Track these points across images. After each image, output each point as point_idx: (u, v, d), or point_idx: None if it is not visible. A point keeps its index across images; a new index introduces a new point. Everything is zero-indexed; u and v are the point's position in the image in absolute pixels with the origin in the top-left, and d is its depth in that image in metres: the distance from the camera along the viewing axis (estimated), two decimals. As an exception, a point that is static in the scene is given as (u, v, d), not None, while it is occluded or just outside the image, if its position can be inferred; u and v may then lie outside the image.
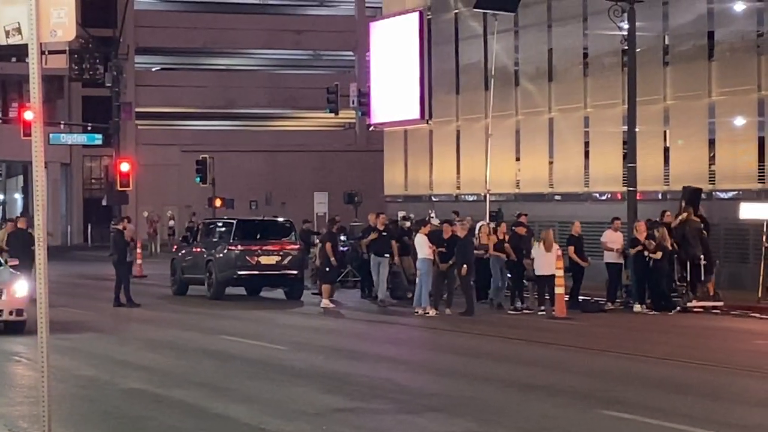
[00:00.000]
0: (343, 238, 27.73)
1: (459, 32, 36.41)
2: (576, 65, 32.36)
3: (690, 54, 29.00)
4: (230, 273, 25.44)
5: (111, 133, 44.15)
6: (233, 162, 54.75)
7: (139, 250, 34.24)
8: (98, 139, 45.88)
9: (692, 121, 28.93)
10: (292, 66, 65.83)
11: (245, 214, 39.82)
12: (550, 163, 33.13)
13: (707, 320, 21.39)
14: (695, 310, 22.47)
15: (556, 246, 22.03)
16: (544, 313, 21.78)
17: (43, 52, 8.59)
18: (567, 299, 22.13)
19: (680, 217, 23.44)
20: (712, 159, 28.45)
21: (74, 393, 12.47)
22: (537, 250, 22.06)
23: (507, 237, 23.30)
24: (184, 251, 27.67)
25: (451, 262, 21.90)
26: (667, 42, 29.92)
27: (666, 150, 29.61)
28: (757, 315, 22.02)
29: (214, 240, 26.48)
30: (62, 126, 51.18)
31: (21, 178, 64.08)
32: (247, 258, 25.26)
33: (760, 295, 23.27)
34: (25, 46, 8.53)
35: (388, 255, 23.93)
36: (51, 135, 44.31)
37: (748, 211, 24.34)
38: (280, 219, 28.20)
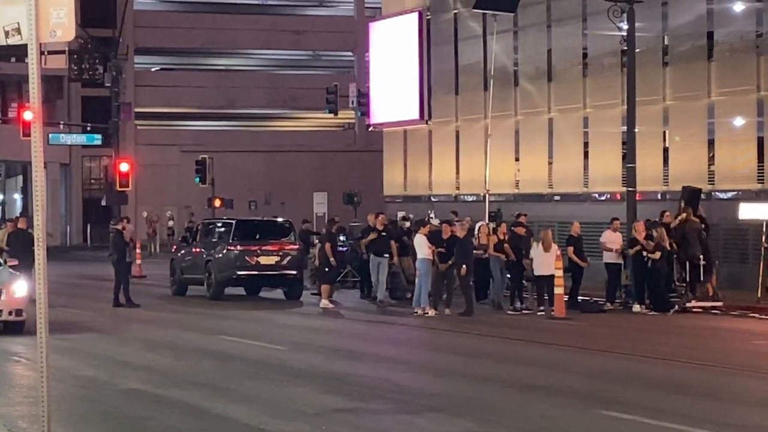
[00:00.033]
0: (342, 238, 27.72)
1: (458, 32, 36.42)
2: (575, 66, 32.37)
3: (689, 54, 29.01)
4: (229, 273, 25.44)
5: (110, 133, 44.15)
6: (232, 162, 54.75)
7: (138, 251, 34.24)
8: (97, 139, 45.87)
9: (692, 122, 28.95)
10: (291, 66, 65.83)
11: (244, 215, 39.82)
12: (550, 163, 33.14)
13: (706, 320, 21.40)
14: (694, 310, 22.47)
15: (555, 246, 22.04)
16: (543, 313, 21.79)
17: (42, 53, 8.60)
18: (566, 299, 22.13)
19: (680, 218, 23.45)
20: (711, 159, 28.46)
21: (74, 393, 12.47)
22: (536, 250, 22.07)
23: (507, 237, 23.31)
24: (183, 251, 27.67)
25: (450, 262, 21.90)
26: (666, 42, 29.93)
27: (665, 150, 29.63)
28: (757, 315, 22.03)
29: (214, 240, 26.48)
30: (61, 126, 51.17)
31: (20, 178, 64.06)
32: (247, 258, 25.26)
33: (759, 295, 23.27)
34: (25, 46, 8.53)
35: (387, 255, 23.93)
36: (50, 135, 44.29)
37: (748, 211, 24.35)
38: (280, 219, 28.20)
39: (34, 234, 8.74)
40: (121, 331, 19.48)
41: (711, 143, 28.53)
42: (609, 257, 23.22)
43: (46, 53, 8.47)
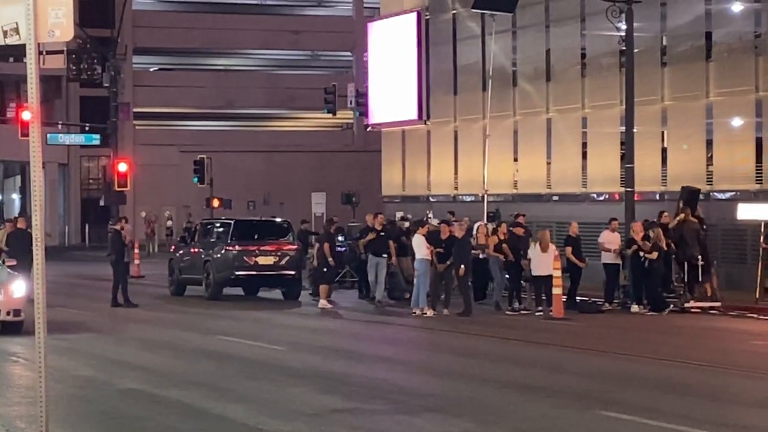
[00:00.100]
0: (340, 238, 27.72)
1: (457, 33, 36.42)
2: (574, 66, 32.37)
3: (688, 55, 29.02)
4: (228, 273, 25.43)
5: (109, 133, 44.15)
6: (231, 162, 54.74)
7: (136, 251, 34.23)
8: (96, 139, 45.88)
9: (690, 122, 28.95)
10: (289, 66, 65.83)
11: (243, 215, 39.81)
12: (548, 163, 33.14)
13: (705, 321, 21.41)
14: (693, 310, 22.48)
15: (552, 246, 22.03)
16: (541, 313, 21.78)
17: (40, 53, 8.59)
18: (565, 300, 22.13)
19: (678, 218, 23.45)
20: (709, 160, 28.47)
21: (72, 393, 12.47)
22: (533, 250, 22.07)
23: (505, 237, 23.31)
24: (181, 251, 27.66)
25: (448, 262, 21.90)
26: (664, 43, 29.94)
27: (664, 150, 29.63)
28: (755, 315, 22.03)
29: (212, 240, 26.47)
30: (60, 126, 51.16)
31: (19, 178, 64.03)
32: (245, 258, 25.25)
33: (757, 295, 23.28)
34: (23, 46, 8.53)
35: (385, 255, 23.92)
36: (49, 135, 44.27)
37: (746, 211, 24.36)
38: (278, 219, 28.19)
39: (33, 234, 8.73)
40: (120, 331, 19.47)
41: (709, 144, 28.54)
42: (607, 257, 23.21)
43: (44, 53, 8.44)
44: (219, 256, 25.62)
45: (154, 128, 60.92)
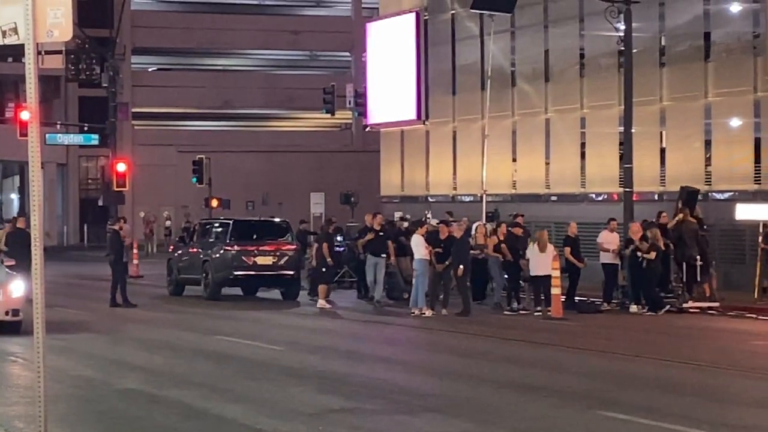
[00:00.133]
0: (339, 238, 27.72)
1: (455, 33, 36.43)
2: (572, 66, 32.38)
3: (686, 55, 29.03)
4: (227, 273, 25.43)
5: (107, 133, 44.11)
6: (230, 162, 54.71)
7: (135, 251, 34.22)
8: (95, 139, 45.83)
9: (688, 122, 28.97)
10: (288, 66, 65.81)
11: (242, 215, 39.80)
12: (547, 163, 33.15)
13: (704, 321, 21.42)
14: (691, 310, 22.48)
15: (551, 247, 22.04)
16: (540, 313, 21.79)
17: (39, 53, 8.59)
18: (563, 300, 22.13)
19: (677, 218, 23.47)
20: (708, 160, 28.49)
21: (70, 393, 12.47)
22: (531, 250, 22.08)
23: (504, 237, 23.31)
24: (180, 251, 27.66)
25: (447, 262, 21.91)
26: (663, 43, 29.95)
27: (662, 151, 29.65)
28: (754, 316, 22.04)
29: (211, 240, 26.46)
30: (59, 126, 51.12)
31: (17, 178, 64.01)
32: (244, 258, 25.25)
33: (756, 295, 23.30)
34: (22, 46, 8.52)
35: (384, 255, 23.92)
36: (47, 135, 44.21)
37: (744, 212, 24.37)
38: (277, 219, 28.18)
39: (31, 234, 8.72)
40: (118, 331, 19.47)
41: (708, 144, 28.55)
42: (606, 258, 23.22)
43: (43, 53, 8.45)
44: (218, 256, 25.62)
45: (153, 128, 60.90)
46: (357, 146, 59.07)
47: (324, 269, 24.03)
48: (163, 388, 12.88)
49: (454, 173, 36.18)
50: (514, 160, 34.11)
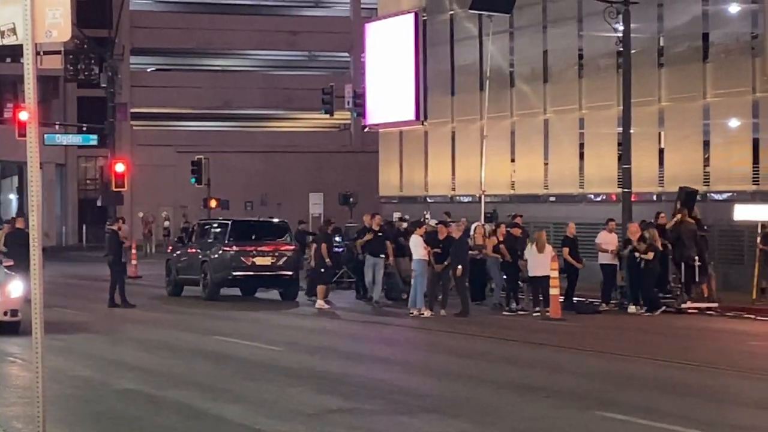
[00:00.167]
0: (338, 239, 27.73)
1: (454, 33, 36.44)
2: (571, 67, 32.40)
3: (685, 56, 29.05)
4: (225, 274, 25.43)
5: (106, 133, 44.11)
6: (228, 163, 54.70)
7: (134, 251, 34.22)
8: (93, 139, 45.82)
9: (687, 123, 28.98)
10: (287, 67, 65.81)
11: (240, 215, 39.79)
12: (545, 164, 33.16)
13: (702, 321, 21.42)
14: (690, 311, 22.49)
15: (549, 247, 22.05)
16: (538, 314, 21.79)
17: (38, 53, 8.58)
18: (562, 300, 22.14)
19: (675, 219, 23.48)
20: (706, 160, 28.50)
21: (69, 393, 12.46)
22: (530, 251, 22.09)
23: (503, 238, 23.32)
24: (179, 252, 27.66)
25: (446, 263, 21.91)
26: (661, 43, 29.97)
27: (661, 151, 29.66)
28: (752, 316, 22.06)
29: (209, 241, 26.46)
30: (57, 127, 51.09)
31: (16, 178, 63.99)
32: (242, 259, 25.25)
33: (754, 296, 23.31)
34: (20, 46, 8.52)
35: (383, 256, 23.92)
36: (46, 136, 44.21)
37: (743, 212, 24.38)
38: (276, 220, 28.18)
39: (30, 234, 8.72)
40: (117, 332, 19.47)
41: (706, 144, 28.57)
42: (604, 258, 23.23)
43: (41, 53, 8.45)
44: (216, 256, 25.62)
45: (152, 129, 60.89)
46: (356, 147, 59.07)
47: (323, 270, 24.03)
48: (162, 389, 12.88)
49: (453, 174, 36.19)
50: (513, 160, 34.12)
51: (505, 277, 23.10)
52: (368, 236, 24.14)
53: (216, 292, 25.64)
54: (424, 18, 37.55)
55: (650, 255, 22.24)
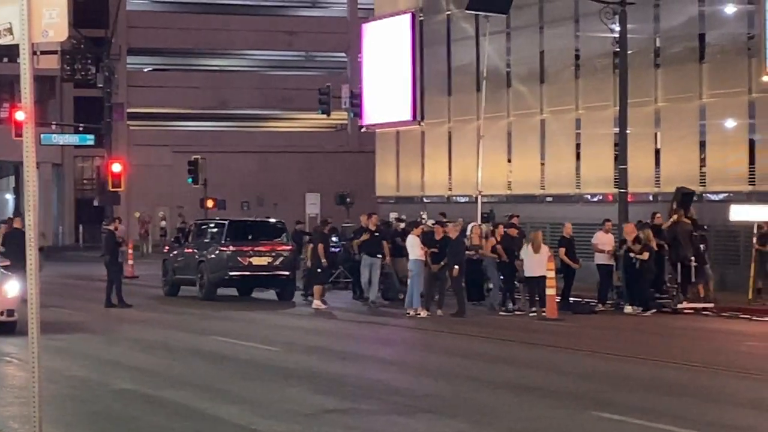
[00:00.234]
0: (334, 239, 27.73)
1: (451, 34, 36.44)
2: (568, 67, 32.41)
3: (681, 56, 29.07)
4: (222, 274, 25.43)
5: (103, 133, 44.08)
6: (225, 163, 54.69)
7: (130, 251, 34.19)
8: (90, 139, 45.79)
9: (683, 123, 29.01)
10: (284, 67, 65.80)
11: (237, 215, 39.78)
12: (542, 164, 33.18)
13: (698, 322, 21.44)
14: (686, 311, 22.51)
15: (545, 247, 22.06)
16: (535, 314, 21.81)
17: (34, 53, 8.58)
18: (558, 301, 22.15)
19: (672, 219, 23.50)
20: (702, 161, 28.53)
21: (65, 394, 12.46)
22: (526, 251, 22.10)
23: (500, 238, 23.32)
24: (175, 252, 27.65)
25: (442, 263, 21.91)
26: (658, 44, 29.99)
27: (657, 152, 29.69)
28: (748, 317, 22.08)
29: (206, 241, 26.46)
30: (54, 126, 51.02)
31: (12, 178, 63.94)
32: (239, 259, 25.25)
33: (750, 296, 23.33)
34: (17, 46, 8.52)
35: (380, 256, 23.92)
36: (42, 135, 44.17)
37: (739, 213, 24.40)
38: (272, 220, 28.18)
39: (26, 234, 8.72)
40: (113, 332, 19.46)
41: (702, 145, 28.59)
42: (601, 258, 23.25)
43: (38, 53, 8.44)
44: (213, 256, 25.62)
45: (148, 129, 60.86)
46: (352, 147, 59.06)
47: (319, 270, 24.03)
48: (159, 389, 12.88)
49: (450, 174, 36.20)
50: (510, 160, 34.13)
51: (501, 277, 23.10)
52: (365, 236, 24.14)
53: (213, 292, 25.64)
54: (421, 18, 37.56)
55: (645, 255, 22.25)
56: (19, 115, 35.39)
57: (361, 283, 24.47)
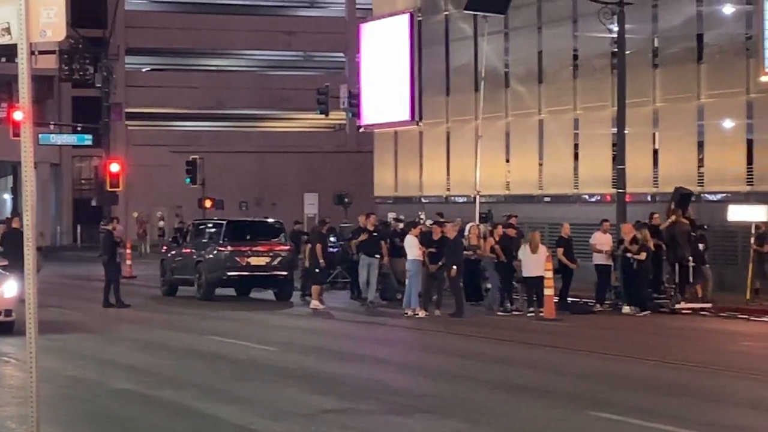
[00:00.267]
0: (333, 239, 27.73)
1: (449, 34, 36.45)
2: (566, 67, 32.43)
3: (679, 56, 29.09)
4: (220, 274, 25.43)
5: (101, 133, 44.10)
6: (223, 163, 54.70)
7: (128, 251, 34.19)
8: (88, 139, 45.81)
9: (681, 124, 29.03)
10: (282, 67, 65.81)
11: (235, 215, 39.78)
12: (540, 164, 33.20)
13: (696, 322, 21.45)
14: (683, 311, 22.52)
15: (543, 248, 22.07)
16: (533, 314, 21.81)
17: (32, 52, 8.57)
18: (556, 301, 22.16)
19: (670, 219, 23.51)
20: (700, 161, 28.55)
21: (63, 393, 12.46)
22: (523, 251, 22.11)
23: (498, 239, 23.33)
24: (173, 252, 27.65)
25: (440, 263, 21.92)
26: (656, 44, 30.01)
27: (655, 152, 29.71)
28: (746, 317, 22.10)
29: (204, 241, 26.46)
30: (52, 126, 51.08)
31: (10, 178, 63.93)
32: (237, 259, 25.25)
33: (748, 296, 23.35)
34: (15, 46, 8.52)
35: (378, 256, 23.92)
36: (40, 135, 44.22)
37: (737, 213, 24.41)
38: (270, 220, 28.19)
39: (24, 234, 8.72)
40: (111, 332, 19.46)
41: (700, 145, 28.61)
42: (599, 258, 23.26)
43: (36, 53, 8.42)
44: (211, 256, 25.62)
45: (147, 128, 60.86)
46: (351, 147, 59.08)
47: (317, 270, 24.03)
48: (157, 389, 12.88)
49: (448, 174, 36.21)
50: (508, 160, 34.14)
51: (499, 277, 23.09)
52: (363, 236, 24.14)
53: (210, 292, 25.63)
54: (419, 18, 37.57)
55: (642, 255, 22.27)
56: (17, 115, 35.38)
57: (359, 283, 24.46)
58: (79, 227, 57.75)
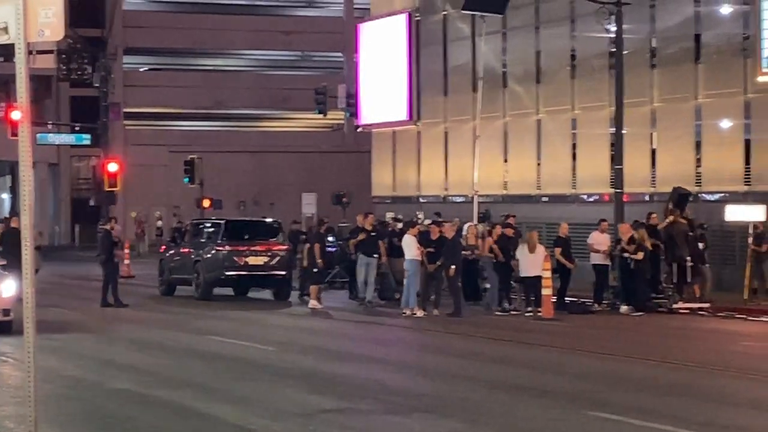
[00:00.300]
0: (331, 238, 27.73)
1: (447, 34, 36.48)
2: (564, 67, 32.45)
3: (677, 56, 29.12)
4: (218, 273, 25.43)
5: (99, 133, 44.11)
6: (221, 162, 54.69)
7: (126, 251, 34.17)
8: (86, 139, 45.81)
9: (679, 124, 29.05)
10: (280, 67, 65.80)
11: (233, 215, 39.78)
12: (538, 164, 33.22)
13: (694, 322, 21.47)
14: (681, 311, 22.54)
15: (541, 247, 22.08)
16: (530, 314, 21.83)
17: (30, 52, 8.58)
18: (554, 301, 22.17)
19: (668, 219, 23.53)
20: (698, 161, 28.58)
21: (61, 393, 12.46)
22: (521, 251, 22.12)
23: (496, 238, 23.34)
24: (172, 252, 27.65)
25: (438, 263, 21.93)
26: (654, 44, 30.04)
27: (653, 152, 29.73)
28: (744, 316, 22.12)
29: (202, 240, 26.46)
30: (50, 126, 51.06)
31: (9, 178, 63.91)
32: (235, 258, 25.25)
33: (746, 296, 23.37)
34: (13, 45, 8.52)
35: (376, 255, 23.93)
36: (38, 135, 44.22)
37: (734, 213, 24.44)
38: (268, 220, 28.20)
39: (22, 234, 8.72)
40: (110, 331, 19.45)
41: (698, 145, 28.64)
42: (596, 258, 23.27)
43: (34, 53, 8.44)
44: (209, 256, 25.62)
45: (145, 128, 60.84)
46: (349, 147, 59.08)
47: (315, 269, 24.04)
48: (155, 388, 12.88)
49: (446, 174, 36.23)
50: (506, 160, 34.17)
51: (497, 277, 23.10)
52: (361, 236, 24.15)
53: (209, 292, 25.64)
54: (417, 18, 37.59)
55: (640, 255, 22.28)
56: (15, 115, 35.39)
57: (357, 282, 24.46)
58: (77, 227, 57.73)
